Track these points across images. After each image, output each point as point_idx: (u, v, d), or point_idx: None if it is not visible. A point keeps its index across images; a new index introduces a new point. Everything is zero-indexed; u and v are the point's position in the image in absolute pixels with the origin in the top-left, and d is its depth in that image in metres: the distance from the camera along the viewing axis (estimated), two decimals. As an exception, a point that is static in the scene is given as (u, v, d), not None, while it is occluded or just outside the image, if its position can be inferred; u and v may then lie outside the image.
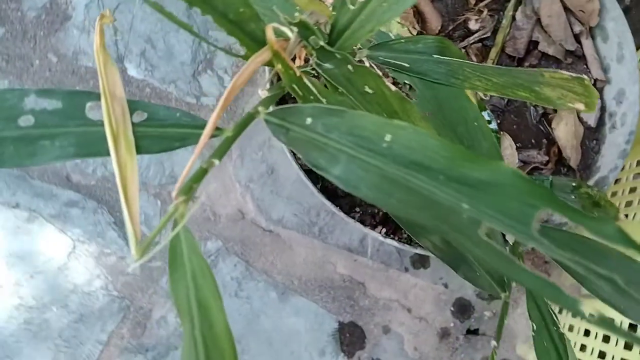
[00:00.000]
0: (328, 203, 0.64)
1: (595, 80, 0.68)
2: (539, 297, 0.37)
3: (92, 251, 0.88)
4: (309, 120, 0.26)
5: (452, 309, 0.91)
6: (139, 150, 0.30)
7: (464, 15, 0.68)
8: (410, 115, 0.32)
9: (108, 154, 0.29)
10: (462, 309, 0.92)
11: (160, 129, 0.30)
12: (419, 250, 0.64)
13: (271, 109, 0.30)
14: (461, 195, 0.20)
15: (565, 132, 0.67)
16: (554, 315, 0.37)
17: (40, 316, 0.86)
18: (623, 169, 0.68)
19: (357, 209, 0.71)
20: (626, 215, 0.66)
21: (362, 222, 0.66)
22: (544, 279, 0.20)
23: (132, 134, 0.29)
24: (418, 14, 0.67)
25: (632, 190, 0.70)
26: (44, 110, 0.29)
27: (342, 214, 0.65)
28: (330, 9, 0.35)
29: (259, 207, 0.91)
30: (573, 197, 0.51)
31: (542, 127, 0.68)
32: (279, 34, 0.33)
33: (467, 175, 0.20)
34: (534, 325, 0.37)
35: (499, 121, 0.68)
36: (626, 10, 0.71)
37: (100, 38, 0.31)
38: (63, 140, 0.28)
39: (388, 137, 0.22)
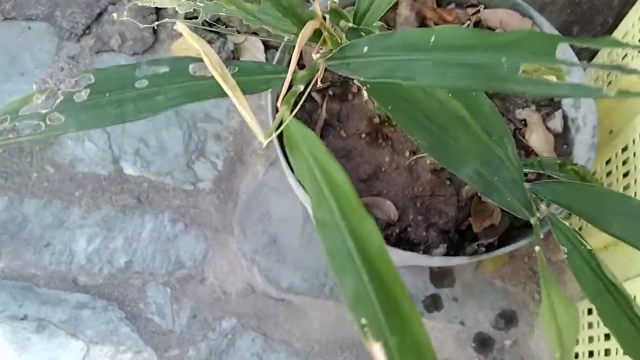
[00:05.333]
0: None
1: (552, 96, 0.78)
2: (565, 228, 0.41)
3: (106, 351, 0.86)
4: (365, 49, 0.31)
5: (473, 345, 0.92)
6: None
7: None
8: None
9: (211, 97, 0.34)
10: (483, 343, 0.92)
11: (250, 77, 0.35)
12: (437, 261, 0.66)
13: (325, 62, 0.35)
14: (499, 54, 0.25)
15: (538, 140, 0.75)
16: (579, 237, 0.41)
17: None
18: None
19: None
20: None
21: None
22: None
23: (232, 79, 0.34)
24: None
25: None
26: (155, 74, 0.33)
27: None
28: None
29: (268, 277, 0.93)
30: (562, 173, 0.57)
31: (517, 141, 0.76)
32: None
33: (498, 42, 0.26)
34: (565, 248, 0.41)
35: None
36: (543, 8, 0.82)
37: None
38: (174, 92, 0.32)
39: (432, 38, 0.27)
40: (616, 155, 0.79)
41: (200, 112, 1.01)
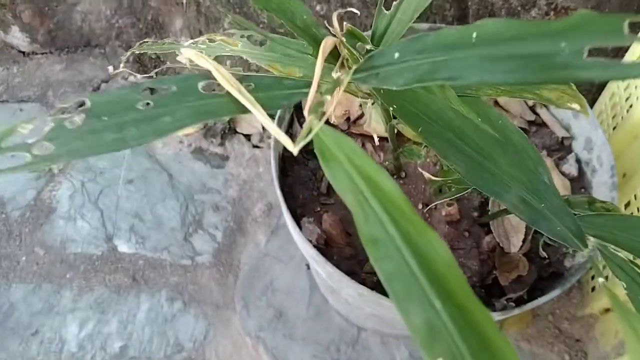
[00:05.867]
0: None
1: (562, 139, 0.75)
2: (619, 259, 0.37)
3: None
4: (396, 55, 0.28)
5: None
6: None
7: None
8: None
9: (226, 115, 0.30)
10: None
11: (268, 92, 0.32)
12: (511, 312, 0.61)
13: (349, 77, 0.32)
14: (557, 40, 0.22)
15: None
16: (637, 269, 0.37)
17: None
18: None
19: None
20: None
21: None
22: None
23: (250, 94, 0.30)
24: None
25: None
26: (160, 95, 0.30)
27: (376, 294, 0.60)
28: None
29: (275, 356, 0.85)
30: (590, 211, 0.53)
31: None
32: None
33: (553, 28, 0.23)
34: (624, 284, 0.36)
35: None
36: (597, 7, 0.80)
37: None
38: (183, 112, 0.29)
39: (474, 34, 0.24)
40: (635, 197, 0.75)
41: (197, 183, 0.98)
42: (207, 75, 0.30)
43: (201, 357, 0.85)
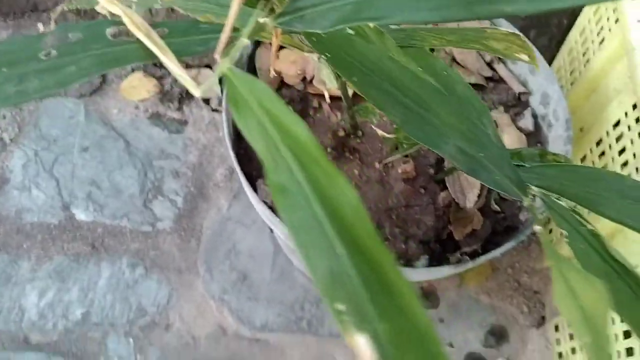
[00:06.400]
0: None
1: (520, 94, 0.75)
2: (561, 209, 0.37)
3: (64, 416, 0.77)
4: None
5: (465, 367, 0.86)
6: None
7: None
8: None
9: (135, 61, 0.28)
10: (476, 364, 0.86)
11: (183, 38, 0.30)
12: (422, 274, 0.61)
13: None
14: None
15: (510, 141, 0.72)
16: (579, 218, 0.37)
17: None
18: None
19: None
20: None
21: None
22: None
23: (161, 40, 0.28)
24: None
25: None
26: (65, 44, 0.28)
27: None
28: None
29: (239, 317, 0.86)
30: (541, 163, 0.54)
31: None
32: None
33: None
34: (566, 232, 0.37)
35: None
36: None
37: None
38: (88, 61, 0.27)
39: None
40: (591, 150, 0.76)
41: (155, 149, 0.96)
42: (119, 21, 0.29)
43: (165, 320, 0.85)
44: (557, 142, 0.70)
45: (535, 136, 0.74)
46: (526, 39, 0.47)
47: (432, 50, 0.44)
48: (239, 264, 0.89)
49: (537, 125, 0.74)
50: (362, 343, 0.19)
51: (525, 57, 0.46)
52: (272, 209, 0.62)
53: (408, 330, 0.20)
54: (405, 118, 0.33)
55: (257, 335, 0.85)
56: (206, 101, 1.00)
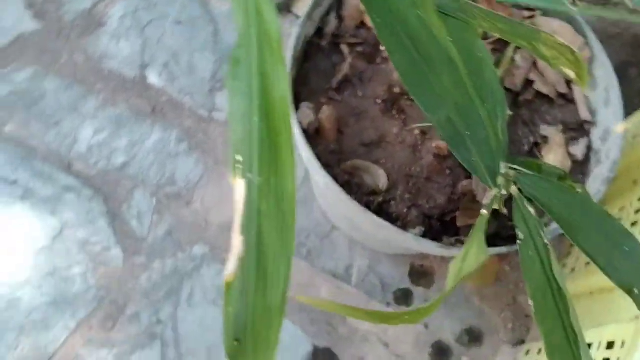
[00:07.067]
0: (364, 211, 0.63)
1: (584, 121, 0.74)
2: (528, 213, 0.39)
3: (79, 237, 0.88)
4: None
5: (430, 350, 0.90)
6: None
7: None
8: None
9: None
10: (440, 352, 0.90)
11: None
12: (410, 240, 0.63)
13: None
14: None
15: (554, 160, 0.71)
16: (539, 229, 0.39)
17: (11, 293, 0.83)
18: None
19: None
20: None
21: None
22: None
23: None
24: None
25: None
26: None
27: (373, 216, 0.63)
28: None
29: (251, 221, 0.92)
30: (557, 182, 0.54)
31: (532, 156, 0.73)
32: None
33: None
34: (521, 234, 0.39)
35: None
36: (605, 40, 0.77)
37: None
38: None
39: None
40: (631, 204, 0.75)
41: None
42: None
43: (189, 197, 0.93)
44: (597, 179, 0.69)
45: (580, 166, 0.73)
46: (581, 57, 0.47)
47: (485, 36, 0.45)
48: (269, 175, 0.95)
49: (587, 156, 0.73)
50: (240, 187, 0.25)
51: (572, 73, 0.47)
52: (306, 132, 0.66)
53: (276, 189, 0.27)
54: (409, 69, 0.35)
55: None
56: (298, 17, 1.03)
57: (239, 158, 0.26)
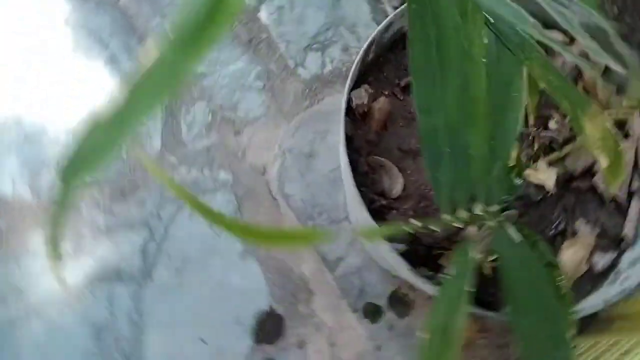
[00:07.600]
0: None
1: (622, 238, 0.70)
2: (468, 258, 0.39)
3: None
4: None
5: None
6: None
7: (550, 110, 0.72)
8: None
9: None
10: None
11: None
12: (386, 251, 0.64)
13: None
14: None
15: (569, 258, 0.68)
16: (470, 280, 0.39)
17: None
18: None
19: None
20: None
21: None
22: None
23: None
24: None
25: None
26: None
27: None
28: None
29: (280, 174, 0.95)
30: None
31: (549, 241, 0.70)
32: None
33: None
34: (452, 272, 0.38)
35: (519, 212, 0.70)
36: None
37: None
38: None
39: None
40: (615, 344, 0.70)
41: (361, 20, 1.02)
42: None
43: (241, 127, 0.97)
44: (599, 296, 0.65)
45: (594, 277, 0.69)
46: (622, 152, 0.45)
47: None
48: (318, 147, 0.97)
49: (606, 272, 0.69)
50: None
51: (605, 162, 0.45)
52: (353, 111, 0.67)
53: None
54: (421, 60, 0.35)
55: (277, 196, 0.94)
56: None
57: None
